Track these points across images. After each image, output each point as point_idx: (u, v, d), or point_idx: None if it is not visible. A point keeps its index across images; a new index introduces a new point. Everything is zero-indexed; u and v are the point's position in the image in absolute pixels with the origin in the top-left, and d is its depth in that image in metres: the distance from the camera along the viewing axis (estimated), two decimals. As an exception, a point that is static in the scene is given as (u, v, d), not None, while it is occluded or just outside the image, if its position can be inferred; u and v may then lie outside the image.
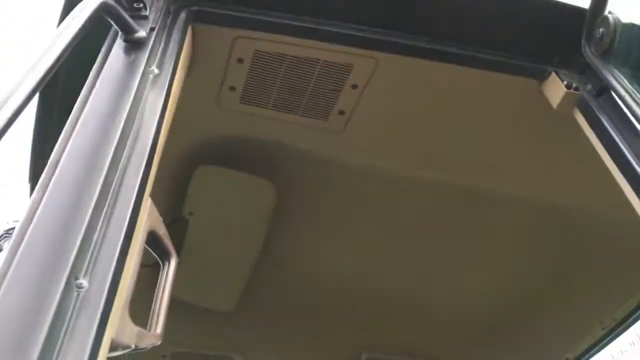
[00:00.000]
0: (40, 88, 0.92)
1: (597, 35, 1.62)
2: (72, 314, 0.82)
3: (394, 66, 1.69)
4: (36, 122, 1.82)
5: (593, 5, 1.65)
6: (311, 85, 1.77)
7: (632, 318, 2.49)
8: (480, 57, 1.67)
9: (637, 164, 1.41)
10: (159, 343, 1.09)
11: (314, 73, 1.73)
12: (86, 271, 0.88)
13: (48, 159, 1.67)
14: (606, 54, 1.61)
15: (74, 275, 0.85)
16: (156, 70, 1.27)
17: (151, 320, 1.12)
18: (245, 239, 2.28)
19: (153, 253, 1.19)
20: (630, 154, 1.43)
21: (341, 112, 1.84)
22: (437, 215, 2.24)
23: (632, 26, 1.62)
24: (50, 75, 0.96)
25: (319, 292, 2.59)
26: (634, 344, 2.67)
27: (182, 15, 1.48)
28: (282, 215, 2.18)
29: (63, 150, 1.07)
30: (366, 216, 2.26)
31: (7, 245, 1.46)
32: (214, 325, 2.67)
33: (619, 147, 1.46)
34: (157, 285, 1.19)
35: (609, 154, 1.50)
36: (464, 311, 2.72)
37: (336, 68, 1.71)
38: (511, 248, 2.40)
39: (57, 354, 0.77)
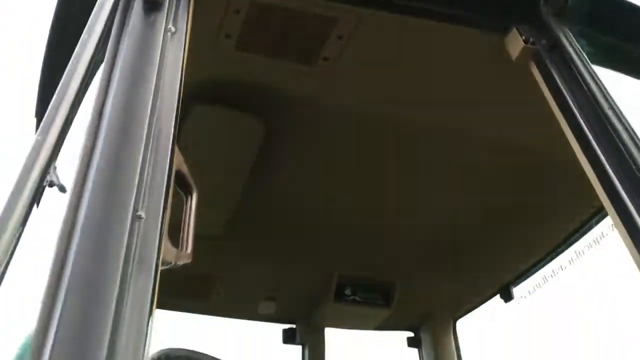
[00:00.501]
0: (97, 56, 1.11)
1: (553, -4, 1.85)
2: (137, 240, 1.05)
3: (375, 20, 1.89)
4: (47, 49, 1.96)
5: (551, -33, 1.87)
6: (300, 34, 1.96)
7: (570, 240, 2.89)
8: (450, 12, 1.89)
9: (577, 111, 1.67)
10: (190, 260, 1.34)
11: (303, 24, 1.92)
12: (142, 205, 1.10)
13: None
14: (560, 13, 1.84)
15: (135, 209, 1.08)
16: (173, 29, 1.45)
17: (182, 243, 1.37)
18: (234, 170, 2.51)
19: (178, 189, 1.41)
20: (572, 103, 1.69)
21: (326, 59, 2.05)
22: (407, 151, 2.51)
23: (584, -11, 1.85)
24: (101, 44, 1.14)
25: (299, 219, 2.87)
26: (572, 260, 3.05)
27: None
28: (270, 150, 2.41)
29: (103, 103, 1.26)
30: (343, 152, 2.51)
31: (55, 179, 1.64)
32: (201, 247, 2.92)
33: (564, 96, 1.72)
34: (184, 214, 1.43)
35: (555, 101, 1.75)
36: (424, 236, 3.06)
37: (324, 20, 1.90)
38: (468, 181, 2.70)
39: (131, 271, 1.00)
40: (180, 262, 1.28)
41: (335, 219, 2.92)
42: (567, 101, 1.70)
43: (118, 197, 1.08)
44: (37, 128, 2.23)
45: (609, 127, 1.52)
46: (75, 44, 1.34)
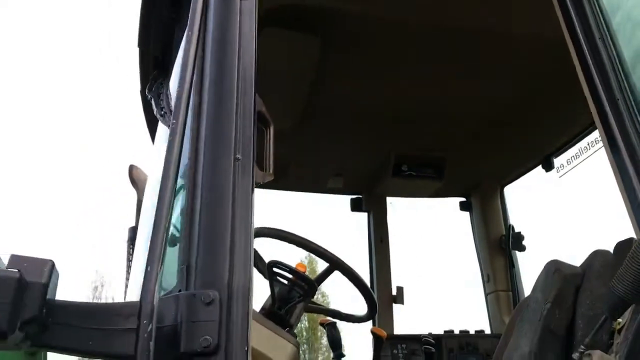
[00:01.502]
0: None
1: None
2: (238, 175, 1.57)
3: None
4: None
5: None
6: None
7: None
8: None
9: (581, 34, 1.99)
10: (272, 179, 1.87)
11: None
12: (239, 149, 1.61)
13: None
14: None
15: (235, 153, 1.59)
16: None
17: (265, 166, 1.89)
18: (299, 77, 2.98)
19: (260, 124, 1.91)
20: (578, 27, 2.00)
21: None
22: (445, 51, 2.89)
23: None
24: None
25: (360, 110, 3.35)
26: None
27: None
28: (327, 59, 2.85)
29: (203, 64, 1.73)
30: (392, 57, 2.91)
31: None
32: (278, 138, 3.48)
33: (571, 20, 2.04)
34: (265, 144, 1.94)
35: (564, 22, 2.07)
36: (470, 116, 3.48)
37: None
38: (509, 69, 3.07)
39: (237, 193, 1.53)
40: (266, 181, 1.82)
41: (391, 109, 3.38)
42: (573, 24, 2.03)
43: (223, 145, 1.60)
44: (140, 55, 2.74)
45: (598, 54, 1.87)
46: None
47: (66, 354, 1.25)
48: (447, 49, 2.95)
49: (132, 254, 3.03)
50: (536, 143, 3.71)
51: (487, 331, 3.93)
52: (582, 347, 1.42)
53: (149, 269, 1.24)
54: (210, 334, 1.30)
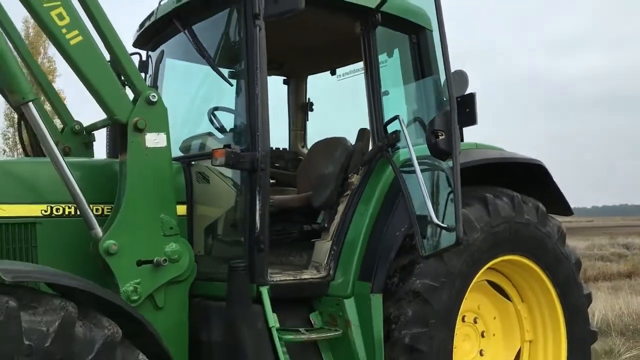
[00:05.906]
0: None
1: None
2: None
3: None
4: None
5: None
6: None
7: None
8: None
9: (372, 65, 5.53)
10: None
11: None
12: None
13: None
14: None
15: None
16: None
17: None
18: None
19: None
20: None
21: None
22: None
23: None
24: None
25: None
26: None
27: None
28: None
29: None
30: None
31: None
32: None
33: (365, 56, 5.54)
34: None
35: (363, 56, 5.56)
36: (301, 44, 6.87)
37: None
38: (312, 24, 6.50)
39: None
40: None
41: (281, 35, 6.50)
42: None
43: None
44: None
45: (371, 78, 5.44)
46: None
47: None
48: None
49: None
50: (330, 57, 7.18)
51: (288, 149, 7.75)
52: (354, 172, 5.28)
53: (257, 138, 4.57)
54: (264, 162, 4.72)
